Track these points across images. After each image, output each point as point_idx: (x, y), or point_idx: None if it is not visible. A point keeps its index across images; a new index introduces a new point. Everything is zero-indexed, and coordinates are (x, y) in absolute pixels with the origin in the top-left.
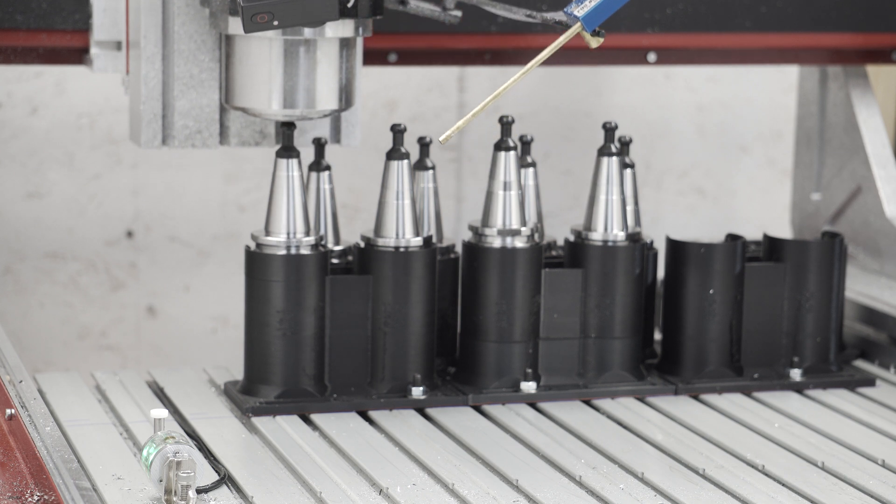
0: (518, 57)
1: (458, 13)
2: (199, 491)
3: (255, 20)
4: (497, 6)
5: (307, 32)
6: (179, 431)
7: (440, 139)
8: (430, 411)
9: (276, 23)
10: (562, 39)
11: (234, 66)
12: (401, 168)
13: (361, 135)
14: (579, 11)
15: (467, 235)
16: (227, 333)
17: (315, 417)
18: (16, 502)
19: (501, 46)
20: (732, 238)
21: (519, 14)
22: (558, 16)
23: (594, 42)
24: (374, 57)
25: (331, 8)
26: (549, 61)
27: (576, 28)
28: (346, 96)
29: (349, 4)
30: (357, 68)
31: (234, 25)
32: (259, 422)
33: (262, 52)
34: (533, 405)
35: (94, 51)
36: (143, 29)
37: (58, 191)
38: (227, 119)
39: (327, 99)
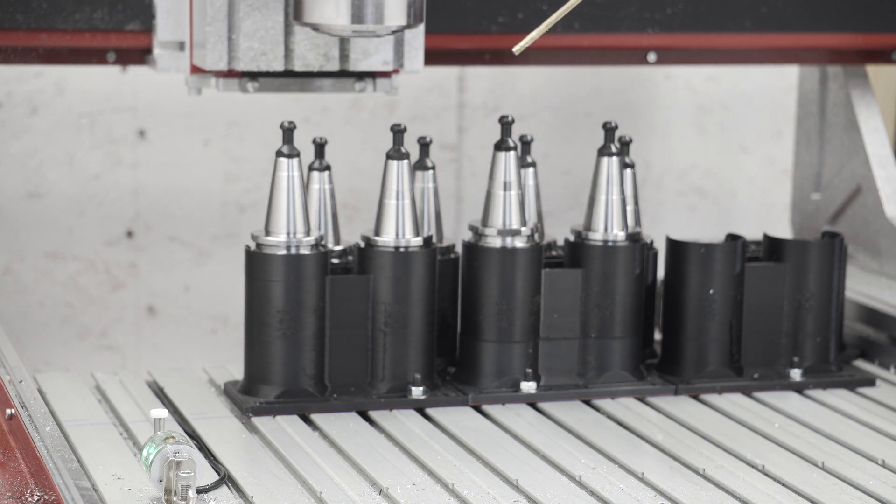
0: (518, 57)
1: None
2: (199, 491)
3: None
4: None
5: None
6: (179, 431)
7: (514, 49)
8: (430, 411)
9: None
10: None
11: None
12: (401, 168)
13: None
14: None
15: (467, 235)
16: (227, 333)
17: (315, 417)
18: (16, 502)
19: (501, 46)
20: (732, 238)
21: None
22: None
23: None
24: None
25: None
26: (549, 61)
27: None
28: (416, 12)
29: None
30: None
31: None
32: (259, 422)
33: None
34: (533, 405)
35: (157, 51)
36: None
37: (58, 191)
38: (292, 42)
39: (396, 14)
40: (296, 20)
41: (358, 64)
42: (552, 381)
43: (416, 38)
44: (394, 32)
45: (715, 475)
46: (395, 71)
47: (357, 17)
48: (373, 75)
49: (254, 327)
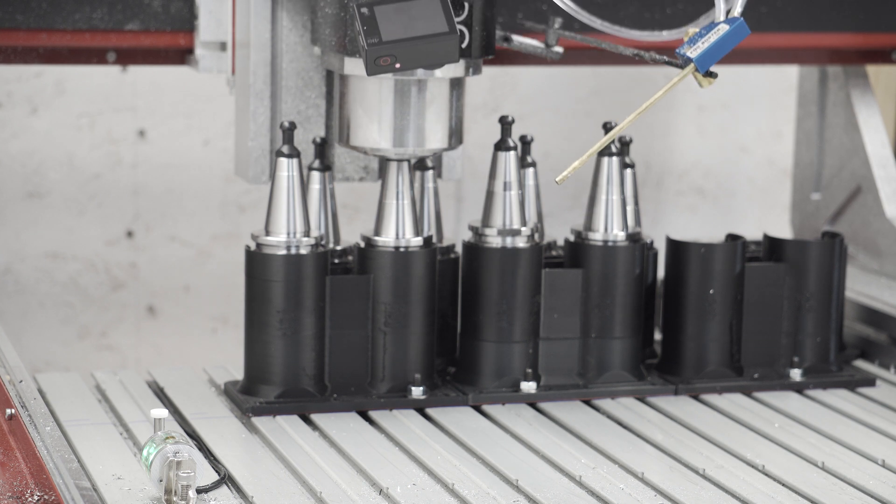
0: (518, 57)
1: (561, 50)
2: (199, 491)
3: (379, 63)
4: (603, 43)
5: (420, 73)
6: (179, 431)
7: (556, 179)
8: (430, 411)
9: (398, 65)
10: (675, 81)
11: (348, 105)
12: (401, 168)
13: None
14: (692, 53)
15: (467, 235)
16: (227, 333)
17: (315, 417)
18: (16, 502)
19: (501, 46)
20: (732, 238)
21: (627, 52)
22: (670, 55)
23: (706, 83)
24: None
25: (452, 50)
26: (549, 62)
27: (689, 69)
28: (456, 136)
29: (463, 45)
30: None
31: (351, 66)
32: (259, 422)
33: (377, 92)
34: (533, 405)
35: (199, 51)
36: (252, 66)
37: (58, 191)
38: (332, 155)
39: (437, 138)
40: (339, 143)
41: None
42: (552, 381)
43: (455, 151)
44: (434, 154)
45: (715, 475)
46: None
47: (399, 140)
48: None
49: (254, 327)
